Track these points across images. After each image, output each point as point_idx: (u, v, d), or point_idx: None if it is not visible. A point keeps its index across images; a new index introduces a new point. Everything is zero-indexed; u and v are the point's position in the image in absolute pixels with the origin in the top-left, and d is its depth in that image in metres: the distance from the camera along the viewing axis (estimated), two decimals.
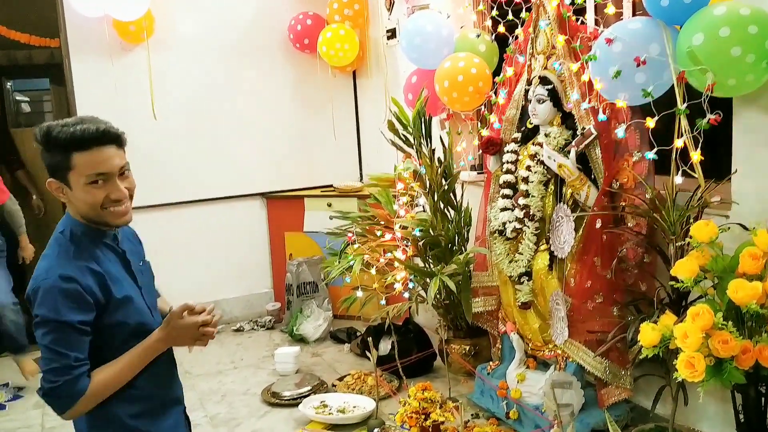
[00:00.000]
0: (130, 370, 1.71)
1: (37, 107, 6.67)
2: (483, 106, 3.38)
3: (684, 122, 2.14)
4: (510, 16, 3.15)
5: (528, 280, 2.84)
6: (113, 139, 1.66)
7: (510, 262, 2.90)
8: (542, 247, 2.80)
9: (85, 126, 1.62)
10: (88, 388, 1.63)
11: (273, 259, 4.81)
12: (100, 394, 1.66)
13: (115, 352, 1.69)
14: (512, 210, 2.87)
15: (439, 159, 3.40)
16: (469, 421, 2.94)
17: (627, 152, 2.58)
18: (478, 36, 3.41)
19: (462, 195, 3.52)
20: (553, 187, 2.77)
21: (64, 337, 1.60)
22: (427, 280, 3.21)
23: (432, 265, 3.37)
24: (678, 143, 2.20)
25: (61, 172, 1.64)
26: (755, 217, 2.14)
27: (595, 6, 2.83)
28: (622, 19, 2.60)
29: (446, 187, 3.39)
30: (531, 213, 2.77)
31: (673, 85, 2.16)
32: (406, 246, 3.31)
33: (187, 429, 1.97)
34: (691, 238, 2.12)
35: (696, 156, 2.14)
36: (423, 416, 2.67)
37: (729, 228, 2.17)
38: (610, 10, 2.53)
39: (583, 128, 2.58)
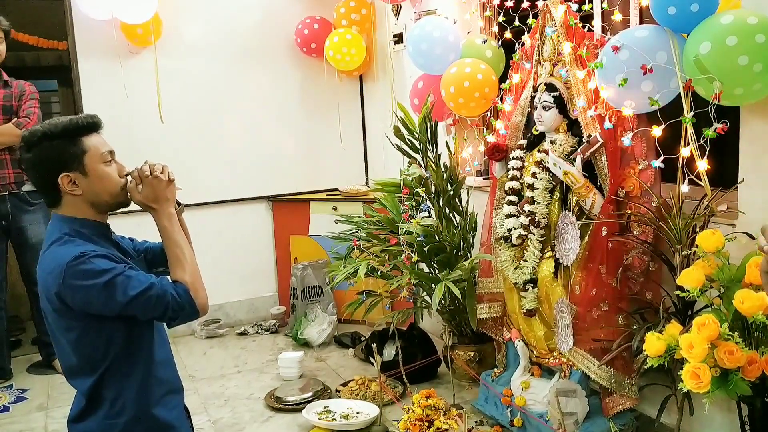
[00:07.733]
0: (181, 239, 1.82)
1: (45, 108, 6.66)
2: (489, 112, 3.37)
3: (690, 131, 2.13)
4: (517, 23, 3.14)
5: (533, 288, 2.83)
6: (101, 125, 1.81)
7: (515, 269, 2.89)
8: (547, 255, 2.79)
9: (77, 116, 1.75)
10: (184, 283, 1.72)
11: (278, 262, 4.80)
12: (193, 273, 1.75)
13: (141, 328, 1.76)
14: (517, 217, 2.87)
15: (444, 164, 3.39)
16: (473, 428, 2.93)
17: (633, 160, 2.57)
18: (485, 42, 3.41)
19: (468, 200, 3.51)
20: (558, 194, 2.76)
21: (131, 280, 1.66)
22: (432, 285, 3.20)
23: (437, 271, 3.36)
24: (684, 152, 2.19)
25: (76, 159, 1.71)
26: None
27: (602, 13, 2.83)
28: (629, 26, 2.60)
29: (452, 193, 3.38)
30: (536, 220, 2.77)
31: (679, 93, 2.15)
32: (411, 251, 3.31)
33: (188, 421, 2.01)
34: (697, 247, 2.11)
35: (702, 165, 2.13)
36: (426, 423, 2.66)
37: (735, 237, 2.16)
38: (617, 17, 2.52)
39: (589, 136, 2.57)
